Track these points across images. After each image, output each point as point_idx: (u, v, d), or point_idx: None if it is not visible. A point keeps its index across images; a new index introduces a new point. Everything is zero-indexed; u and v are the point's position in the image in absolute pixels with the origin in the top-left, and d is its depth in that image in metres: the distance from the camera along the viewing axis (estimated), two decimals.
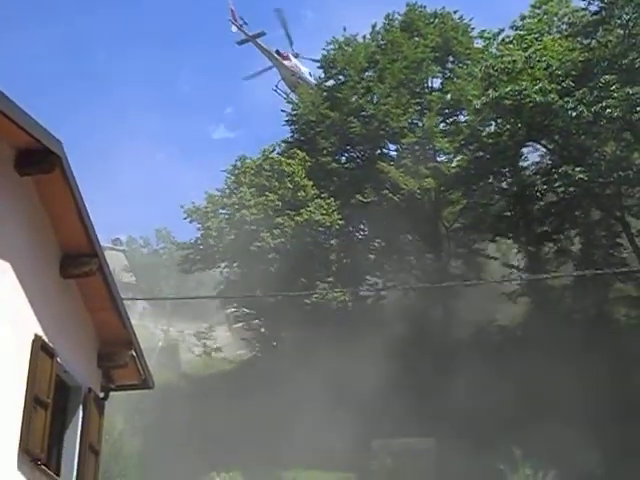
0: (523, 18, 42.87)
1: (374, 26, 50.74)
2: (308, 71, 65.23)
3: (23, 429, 9.75)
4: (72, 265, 11.07)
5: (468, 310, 44.37)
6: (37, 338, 10.21)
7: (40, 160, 9.76)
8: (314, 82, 61.54)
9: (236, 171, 47.67)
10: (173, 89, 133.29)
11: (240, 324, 50.04)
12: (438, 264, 46.04)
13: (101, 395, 12.74)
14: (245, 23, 64.32)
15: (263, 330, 48.04)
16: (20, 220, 10.13)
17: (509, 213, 43.97)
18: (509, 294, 43.85)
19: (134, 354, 12.65)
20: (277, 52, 65.91)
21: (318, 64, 51.85)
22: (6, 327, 9.59)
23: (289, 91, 64.25)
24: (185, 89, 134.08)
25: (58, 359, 10.70)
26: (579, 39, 39.54)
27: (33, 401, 9.95)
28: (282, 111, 52.39)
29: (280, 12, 64.71)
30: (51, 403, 10.46)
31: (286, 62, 65.61)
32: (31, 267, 10.26)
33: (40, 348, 10.20)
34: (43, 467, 10.39)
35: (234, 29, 63.88)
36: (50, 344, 10.47)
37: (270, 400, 38.77)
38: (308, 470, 37.30)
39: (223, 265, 48.06)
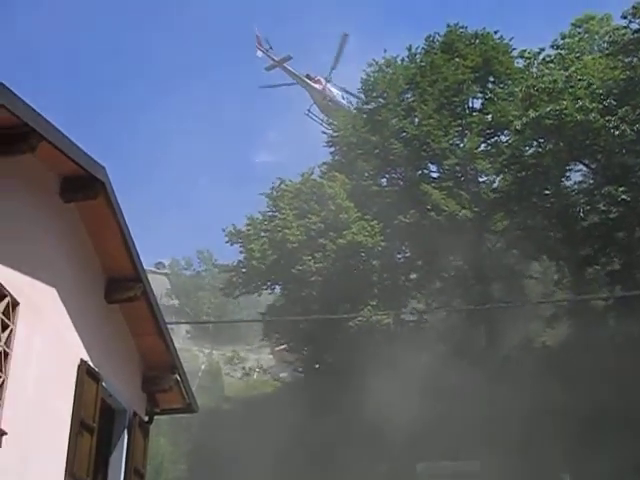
0: (564, 37, 42.69)
1: (409, 48, 50.88)
2: (341, 94, 65.43)
3: (69, 453, 9.84)
4: (116, 290, 11.18)
5: (511, 331, 44.06)
6: (82, 363, 10.32)
7: (84, 186, 9.89)
8: (346, 104, 61.69)
9: (275, 194, 47.89)
10: (216, 115, 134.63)
11: (282, 347, 50.08)
12: (480, 286, 45.75)
13: (146, 419, 12.81)
14: (271, 48, 64.60)
15: (305, 353, 48.02)
16: (65, 246, 10.26)
17: (551, 233, 43.61)
18: (548, 318, 43.53)
19: (178, 378, 12.72)
20: (307, 76, 66.07)
21: (359, 87, 51.89)
22: (52, 352, 9.70)
23: (321, 115, 64.50)
24: (227, 115, 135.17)
25: (103, 383, 10.80)
26: (620, 57, 39.24)
27: (79, 425, 10.05)
28: (323, 133, 52.62)
29: (345, 37, 64.92)
30: (97, 427, 10.55)
31: (317, 86, 65.78)
32: (76, 292, 10.38)
33: (86, 373, 10.31)
34: None
35: (259, 54, 64.22)
36: (95, 368, 10.57)
37: (311, 423, 38.74)
38: None
39: (265, 288, 48.16)
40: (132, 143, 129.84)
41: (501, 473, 32.43)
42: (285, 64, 64.89)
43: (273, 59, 64.36)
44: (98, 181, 9.88)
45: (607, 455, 31.13)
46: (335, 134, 51.38)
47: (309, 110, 66.14)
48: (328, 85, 66.63)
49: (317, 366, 46.17)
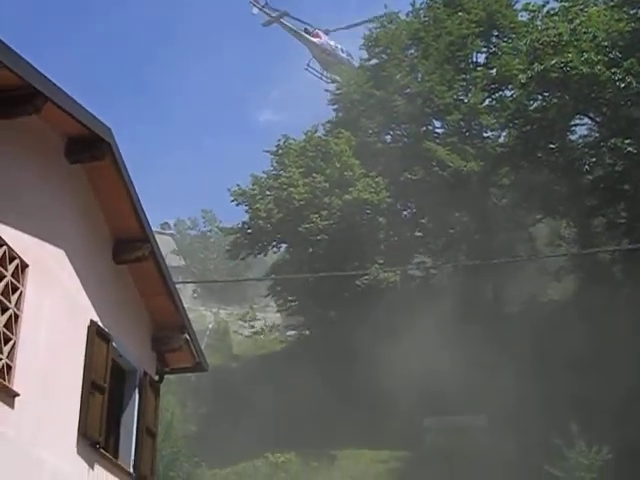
0: None
1: (412, 3, 50.47)
2: (341, 47, 64.57)
3: (82, 413, 9.91)
4: (125, 251, 11.18)
5: (517, 286, 44.14)
6: (92, 324, 10.35)
7: (90, 147, 9.85)
8: (346, 57, 61.00)
9: (280, 152, 47.77)
10: (219, 75, 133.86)
11: (289, 306, 50.20)
12: (486, 240, 45.76)
13: (156, 378, 12.87)
14: (267, 3, 63.71)
15: (313, 311, 48.14)
16: (72, 208, 10.25)
17: (557, 188, 43.51)
18: (556, 271, 43.60)
19: (187, 337, 12.76)
20: (306, 30, 65.18)
21: (361, 42, 51.43)
22: (62, 314, 9.73)
23: (322, 70, 63.76)
24: (230, 75, 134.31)
25: (114, 344, 10.84)
26: (625, 9, 38.89)
27: (90, 386, 10.10)
28: (326, 91, 52.31)
29: None
30: (108, 387, 10.60)
31: (316, 40, 64.89)
32: (84, 254, 10.39)
33: (96, 333, 10.35)
34: (102, 450, 10.56)
35: (255, 11, 63.35)
36: (105, 329, 10.61)
37: (321, 380, 38.96)
38: (360, 449, 37.48)
39: (271, 247, 48.20)
40: (136, 103, 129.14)
41: (509, 426, 32.65)
42: (282, 19, 64.15)
43: (270, 15, 63.63)
44: (104, 142, 9.85)
45: (614, 402, 31.37)
46: (338, 91, 51.11)
47: (308, 65, 65.33)
48: (327, 38, 65.77)
49: (325, 324, 46.32)
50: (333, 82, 56.06)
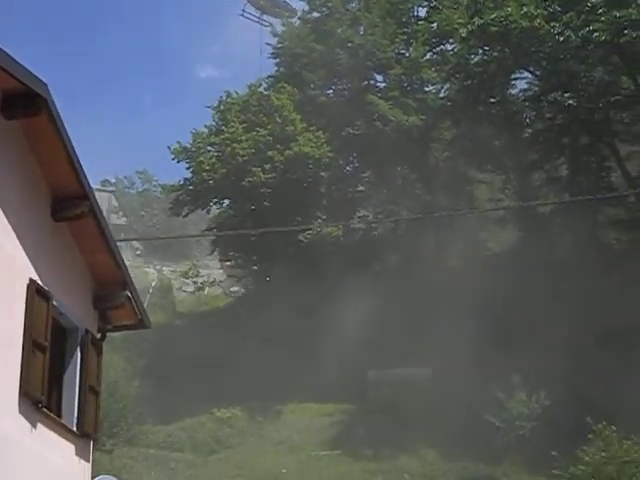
0: None
1: None
2: None
3: (23, 373, 9.82)
4: (63, 208, 11.03)
5: (459, 239, 44.56)
6: (32, 282, 10.23)
7: (26, 103, 9.66)
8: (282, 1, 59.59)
9: (222, 107, 47.36)
10: (157, 32, 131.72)
11: (232, 262, 50.14)
12: (428, 195, 46.07)
13: (98, 336, 12.80)
14: None
15: (256, 267, 48.14)
16: (9, 165, 10.06)
17: (498, 141, 43.87)
18: (495, 223, 44.16)
19: (129, 294, 12.67)
20: None
21: None
22: (0, 273, 9.60)
23: (260, 15, 61.77)
24: (170, 30, 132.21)
25: (54, 302, 10.73)
26: None
27: (31, 345, 10.01)
28: (267, 44, 51.71)
29: None
30: (49, 346, 10.52)
31: None
32: (22, 212, 10.23)
33: (35, 292, 10.22)
34: (44, 410, 10.49)
35: None
36: (45, 288, 10.49)
37: (265, 335, 39.10)
38: (305, 403, 37.79)
39: (214, 203, 47.98)
40: (74, 63, 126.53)
41: (452, 378, 33.13)
42: None
43: None
44: (40, 97, 9.66)
45: (557, 351, 32.00)
46: (280, 45, 50.64)
47: (244, 11, 63.25)
48: None
49: (268, 279, 46.37)
50: (271, 27, 54.64)
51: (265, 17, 61.75)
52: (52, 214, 11.02)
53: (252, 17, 63.14)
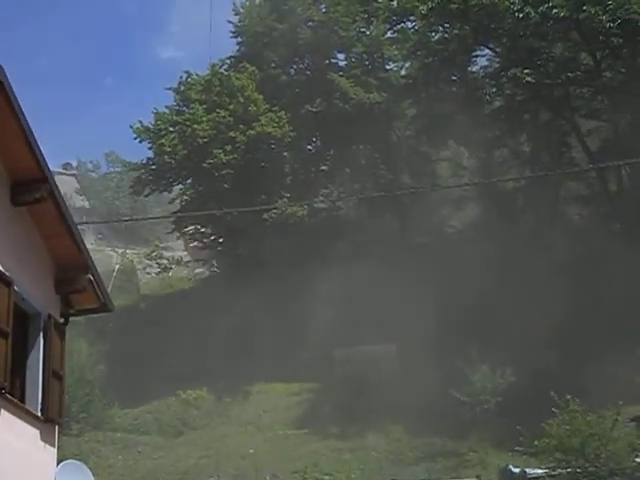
0: None
1: None
2: None
3: None
4: (22, 192, 10.88)
5: (422, 217, 44.75)
6: None
7: None
8: None
9: (182, 88, 47.04)
10: (118, 12, 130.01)
11: (196, 243, 49.93)
12: (391, 173, 46.18)
13: (61, 321, 12.69)
14: None
15: (220, 248, 47.99)
16: None
17: (459, 118, 43.97)
18: (457, 200, 44.42)
19: (91, 278, 12.54)
20: None
21: None
22: None
23: None
24: (130, 10, 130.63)
25: (15, 287, 10.62)
26: None
27: None
28: (228, 22, 51.22)
29: None
30: (11, 332, 10.41)
31: None
32: None
33: None
34: (7, 395, 10.40)
35: None
36: (6, 273, 10.37)
37: (230, 316, 39.07)
38: (272, 383, 37.86)
39: (176, 184, 47.75)
40: (33, 42, 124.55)
41: (417, 354, 33.33)
42: None
43: None
44: None
45: (521, 326, 32.31)
46: (240, 23, 50.29)
47: None
48: None
49: (233, 261, 46.25)
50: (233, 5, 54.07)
51: None
52: (11, 199, 10.88)
53: None
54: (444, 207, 46.40)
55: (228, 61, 49.89)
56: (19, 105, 10.09)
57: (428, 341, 32.79)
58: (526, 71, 36.70)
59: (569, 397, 23.50)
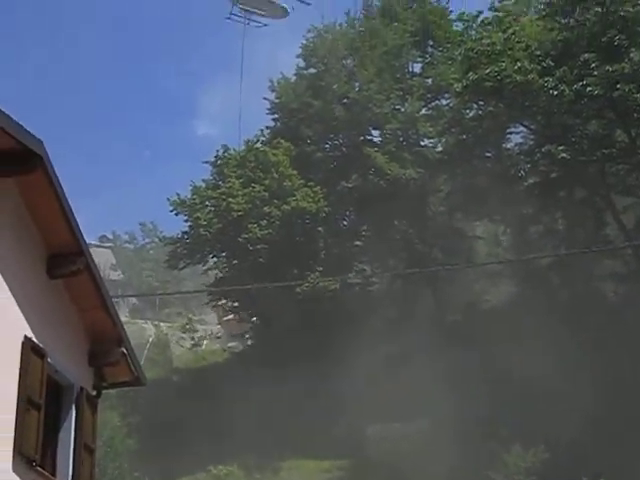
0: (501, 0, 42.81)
1: (347, 13, 50.89)
2: None
3: (17, 431, 9.71)
4: (59, 265, 10.98)
5: (457, 292, 44.51)
6: (27, 339, 10.16)
7: (21, 161, 9.66)
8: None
9: (219, 162, 47.64)
10: (155, 89, 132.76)
11: (231, 316, 50.01)
12: (425, 248, 46.13)
13: (94, 393, 12.69)
14: None
15: (254, 321, 47.96)
16: (3, 221, 10.06)
17: (494, 194, 43.99)
18: (491, 276, 44.16)
19: (125, 351, 12.57)
20: None
21: (298, 53, 51.20)
22: None
23: (248, 19, 59.26)
24: (167, 87, 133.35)
25: (49, 359, 10.65)
26: (557, 18, 39.47)
27: (26, 402, 9.91)
28: (265, 99, 51.94)
29: None
30: (44, 404, 10.41)
31: None
32: (17, 268, 10.20)
33: (30, 349, 10.15)
34: (38, 468, 10.36)
35: None
36: (40, 345, 10.42)
37: (263, 391, 38.80)
38: (303, 459, 37.43)
39: (211, 257, 48.02)
40: (74, 119, 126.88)
41: (450, 432, 32.84)
42: None
43: None
44: (36, 155, 9.68)
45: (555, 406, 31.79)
46: (277, 100, 51.03)
47: (231, 14, 60.57)
48: None
49: (266, 334, 46.15)
50: (264, 26, 53.70)
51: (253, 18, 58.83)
52: (47, 271, 10.99)
53: (239, 19, 60.07)
54: (478, 283, 46.14)
55: (263, 137, 50.51)
56: (57, 179, 10.25)
57: (461, 419, 32.34)
58: (560, 148, 36.80)
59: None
